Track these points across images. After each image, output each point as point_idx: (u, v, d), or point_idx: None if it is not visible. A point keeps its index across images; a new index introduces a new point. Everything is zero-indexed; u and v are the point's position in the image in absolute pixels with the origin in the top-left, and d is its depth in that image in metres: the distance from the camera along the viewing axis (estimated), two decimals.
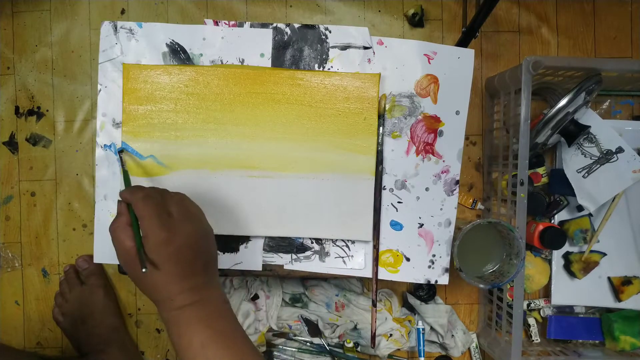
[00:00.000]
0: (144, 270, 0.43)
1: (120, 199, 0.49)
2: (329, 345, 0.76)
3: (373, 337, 0.66)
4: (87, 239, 0.80)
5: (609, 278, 0.76)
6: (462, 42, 0.68)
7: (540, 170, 0.75)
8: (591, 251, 0.75)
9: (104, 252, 0.63)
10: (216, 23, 0.62)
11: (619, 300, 0.76)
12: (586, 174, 0.73)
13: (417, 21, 0.78)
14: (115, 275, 0.81)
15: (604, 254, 0.76)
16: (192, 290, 0.46)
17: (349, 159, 0.62)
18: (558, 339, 0.78)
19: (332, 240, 0.63)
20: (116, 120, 0.62)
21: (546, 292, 0.79)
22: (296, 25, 0.62)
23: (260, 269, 0.63)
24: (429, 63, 0.62)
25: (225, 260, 0.63)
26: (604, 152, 0.72)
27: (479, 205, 0.79)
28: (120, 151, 0.61)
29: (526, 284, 0.74)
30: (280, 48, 0.62)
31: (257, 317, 0.76)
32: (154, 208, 0.46)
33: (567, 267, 0.76)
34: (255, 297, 0.76)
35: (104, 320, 0.76)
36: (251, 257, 0.63)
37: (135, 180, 0.61)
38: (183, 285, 0.46)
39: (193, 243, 0.47)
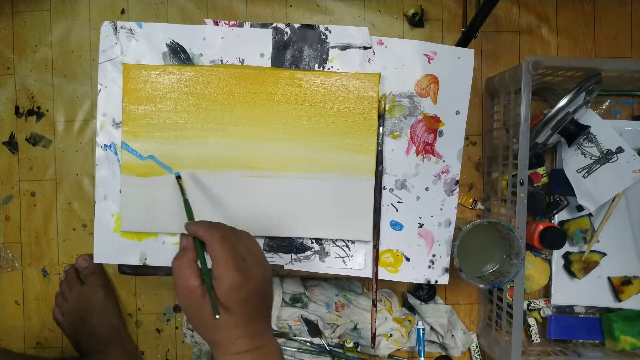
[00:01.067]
0: (217, 316, 0.43)
1: (185, 232, 0.48)
2: (329, 345, 0.76)
3: (373, 337, 0.66)
4: (87, 239, 0.80)
5: (609, 278, 0.76)
6: (462, 42, 0.68)
7: (540, 170, 0.75)
8: (591, 251, 0.75)
9: (104, 252, 0.63)
10: (216, 23, 0.62)
11: (619, 300, 0.76)
12: (586, 174, 0.73)
13: (417, 21, 0.78)
14: (115, 275, 0.81)
15: (604, 254, 0.76)
16: (253, 336, 0.45)
17: (349, 159, 0.62)
18: (558, 339, 0.78)
19: (332, 240, 0.63)
20: (116, 120, 0.62)
21: (546, 292, 0.78)
22: (296, 25, 0.62)
23: None
24: (429, 63, 0.62)
25: None
26: (604, 152, 0.72)
27: (479, 205, 0.79)
28: (178, 177, 0.60)
29: (526, 284, 0.74)
30: (280, 48, 0.62)
31: None
32: (230, 250, 0.45)
33: (567, 267, 0.76)
34: None
35: (103, 320, 0.76)
36: None
37: (135, 180, 0.61)
38: (246, 330, 0.45)
39: (261, 288, 0.46)
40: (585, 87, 0.64)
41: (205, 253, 0.47)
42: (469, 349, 0.80)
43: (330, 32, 0.62)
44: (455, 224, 0.64)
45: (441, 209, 0.64)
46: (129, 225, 0.62)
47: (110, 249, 0.63)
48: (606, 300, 0.76)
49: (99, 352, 0.73)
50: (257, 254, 0.48)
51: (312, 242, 0.64)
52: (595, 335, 0.77)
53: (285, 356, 0.76)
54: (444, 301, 0.80)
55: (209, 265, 0.46)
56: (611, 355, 0.74)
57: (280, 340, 0.77)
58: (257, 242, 0.50)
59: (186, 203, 0.55)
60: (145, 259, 0.63)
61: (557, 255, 0.77)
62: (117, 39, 0.61)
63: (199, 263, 0.46)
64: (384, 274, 0.64)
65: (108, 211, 0.63)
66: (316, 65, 0.62)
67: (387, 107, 0.62)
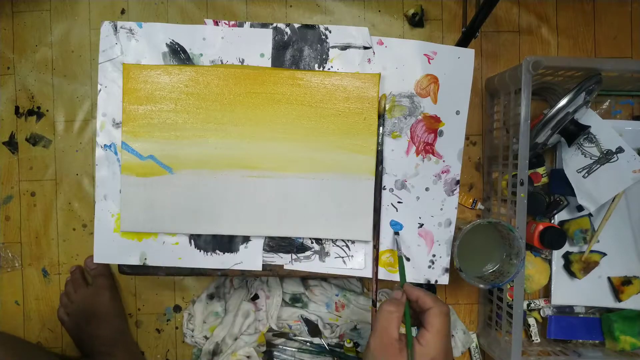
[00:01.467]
0: None
1: (401, 289, 0.52)
2: (329, 345, 0.76)
3: None
4: (87, 239, 0.80)
5: (609, 278, 0.76)
6: (462, 42, 0.68)
7: (540, 170, 0.75)
8: (591, 251, 0.75)
9: (104, 252, 0.63)
10: (216, 23, 0.62)
11: (619, 300, 0.76)
12: (586, 174, 0.73)
13: (417, 21, 0.78)
14: (115, 275, 0.81)
15: (604, 254, 0.76)
16: None
17: (349, 159, 0.62)
18: (558, 339, 0.78)
19: (332, 240, 0.63)
20: (116, 120, 0.62)
21: (546, 292, 0.78)
22: (296, 25, 0.62)
23: (260, 269, 0.63)
24: (429, 63, 0.62)
25: (225, 260, 0.63)
26: (604, 152, 0.72)
27: (479, 205, 0.79)
28: (396, 233, 0.62)
29: (526, 284, 0.74)
30: (280, 48, 0.62)
31: (257, 317, 0.76)
32: (448, 329, 0.48)
33: (567, 267, 0.76)
34: (255, 297, 0.76)
35: (108, 322, 0.76)
36: (251, 257, 0.63)
37: (135, 180, 0.61)
38: None
39: None
40: (585, 87, 0.64)
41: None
42: (469, 349, 0.80)
43: (330, 32, 0.62)
44: (455, 224, 0.64)
45: (441, 209, 0.64)
46: (129, 225, 0.62)
47: (110, 249, 0.63)
48: (606, 300, 0.76)
49: (103, 354, 0.73)
50: (451, 345, 0.51)
51: (312, 242, 0.64)
52: (595, 335, 0.77)
53: (285, 356, 0.76)
54: (444, 301, 0.80)
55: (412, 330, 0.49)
56: (611, 355, 0.74)
57: (280, 340, 0.77)
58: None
59: (400, 260, 0.58)
60: (145, 259, 0.63)
61: (557, 255, 0.77)
62: (117, 39, 0.61)
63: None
64: (384, 274, 0.64)
65: (108, 211, 0.63)
66: (316, 65, 0.62)
67: (387, 107, 0.62)
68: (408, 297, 0.51)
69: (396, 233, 0.62)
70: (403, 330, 0.49)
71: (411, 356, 0.46)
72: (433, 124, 0.63)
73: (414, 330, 0.50)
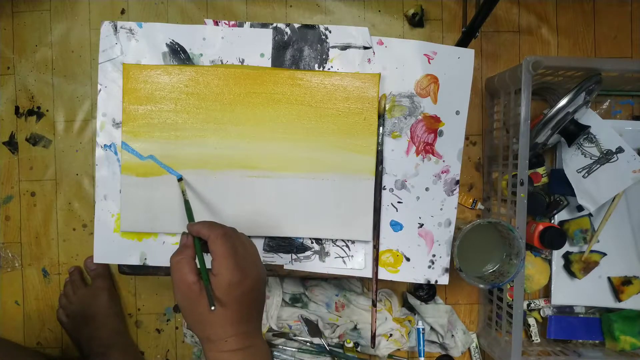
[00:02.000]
0: (212, 308, 0.43)
1: (186, 230, 0.50)
2: (329, 345, 0.76)
3: (373, 337, 0.66)
4: (87, 239, 0.80)
5: (609, 278, 0.76)
6: (462, 42, 0.68)
7: (540, 170, 0.75)
8: (591, 251, 0.75)
9: (104, 252, 0.63)
10: (216, 23, 0.62)
11: (619, 300, 0.76)
12: (586, 174, 0.73)
13: (417, 21, 0.78)
14: (115, 275, 0.81)
15: (604, 254, 0.76)
16: (245, 335, 0.46)
17: (349, 159, 0.62)
18: (558, 339, 0.78)
19: (332, 240, 0.63)
20: (116, 120, 0.62)
21: (546, 292, 0.78)
22: (296, 25, 0.62)
23: None
24: (429, 63, 0.62)
25: None
26: (604, 152, 0.72)
27: (479, 205, 0.79)
28: (180, 179, 0.60)
29: (526, 284, 0.74)
30: (280, 48, 0.62)
31: None
32: (231, 247, 0.46)
33: (567, 267, 0.76)
34: None
35: (107, 323, 0.76)
36: None
37: (135, 180, 0.61)
38: (239, 328, 0.46)
39: (257, 287, 0.47)
40: (585, 87, 0.64)
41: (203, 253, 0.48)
42: (469, 349, 0.80)
43: (330, 32, 0.62)
44: (455, 224, 0.64)
45: (441, 209, 0.64)
46: (129, 225, 0.62)
47: (110, 249, 0.63)
48: (606, 300, 0.76)
49: (102, 355, 0.73)
50: (254, 255, 0.49)
51: (312, 242, 0.64)
52: (595, 335, 0.77)
53: (285, 356, 0.76)
54: (444, 301, 0.80)
55: (208, 264, 0.47)
56: (611, 355, 0.74)
57: (280, 340, 0.77)
58: (254, 244, 0.51)
59: (187, 204, 0.56)
60: (145, 259, 0.63)
61: (557, 255, 0.77)
62: (117, 39, 0.61)
63: (197, 261, 0.47)
64: (384, 274, 0.64)
65: (108, 211, 0.63)
66: (316, 65, 0.62)
67: (387, 107, 0.62)
68: (193, 235, 0.49)
69: (179, 179, 0.60)
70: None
71: (207, 290, 0.44)
72: (433, 124, 0.63)
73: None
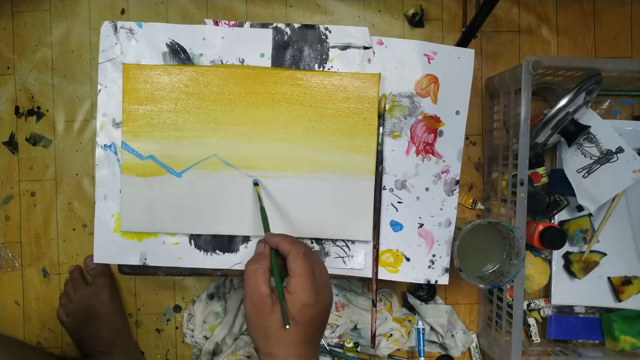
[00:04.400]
0: (287, 327, 0.44)
1: (264, 240, 0.50)
2: (329, 345, 0.76)
3: (373, 337, 0.66)
4: (87, 239, 0.80)
5: (609, 278, 0.76)
6: (462, 42, 0.68)
7: (540, 170, 0.75)
8: (591, 251, 0.75)
9: (104, 252, 0.63)
10: (216, 23, 0.62)
11: (619, 300, 0.76)
12: (586, 174, 0.73)
13: (417, 21, 0.78)
14: (115, 275, 0.81)
15: (604, 254, 0.76)
16: (306, 357, 0.46)
17: (349, 159, 0.62)
18: (558, 339, 0.78)
19: (332, 240, 0.63)
20: (116, 120, 0.62)
21: (546, 292, 0.79)
22: (296, 25, 0.62)
23: None
24: (429, 63, 0.62)
25: (225, 260, 0.63)
26: (604, 152, 0.72)
27: (479, 205, 0.79)
28: (256, 184, 0.60)
29: (526, 284, 0.74)
30: (280, 48, 0.62)
31: None
32: (310, 268, 0.46)
33: (567, 267, 0.76)
34: None
35: (108, 321, 0.76)
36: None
37: (135, 180, 0.61)
38: (303, 349, 0.46)
39: (326, 312, 0.48)
40: (585, 87, 0.64)
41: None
42: (469, 349, 0.80)
43: (330, 32, 0.62)
44: (455, 224, 0.64)
45: (441, 209, 0.64)
46: (129, 225, 0.62)
47: (110, 249, 0.63)
48: (606, 300, 0.76)
49: (103, 353, 0.73)
50: (327, 279, 0.49)
51: (312, 242, 0.64)
52: (595, 335, 0.77)
53: None
54: (444, 301, 0.80)
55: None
56: (611, 355, 0.74)
57: None
58: (326, 267, 0.51)
59: (262, 211, 0.56)
60: (145, 259, 0.63)
61: (557, 255, 0.77)
62: (117, 39, 0.61)
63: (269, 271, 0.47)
64: (384, 274, 0.64)
65: (108, 211, 0.63)
66: (316, 65, 0.62)
67: (387, 107, 0.62)
68: (270, 246, 0.49)
69: (255, 184, 0.60)
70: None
71: (282, 308, 0.44)
72: (433, 124, 0.63)
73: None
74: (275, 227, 0.62)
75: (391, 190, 0.63)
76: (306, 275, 0.46)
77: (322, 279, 0.48)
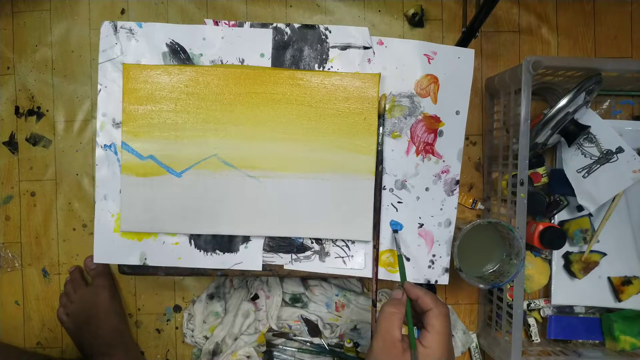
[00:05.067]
0: None
1: (401, 287, 0.52)
2: (329, 345, 0.76)
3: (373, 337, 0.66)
4: (87, 239, 0.80)
5: (609, 278, 0.76)
6: (462, 42, 0.68)
7: (540, 170, 0.75)
8: (591, 251, 0.75)
9: (104, 252, 0.63)
10: (216, 23, 0.62)
11: (619, 300, 0.76)
12: (586, 174, 0.73)
13: (417, 21, 0.78)
14: (115, 275, 0.81)
15: (604, 254, 0.76)
16: None
17: (349, 159, 0.62)
18: (558, 339, 0.78)
19: (332, 240, 0.63)
20: (116, 120, 0.62)
21: (546, 292, 0.78)
22: (296, 25, 0.62)
23: (260, 269, 0.63)
24: (429, 63, 0.62)
25: (225, 260, 0.63)
26: (604, 152, 0.72)
27: (479, 205, 0.79)
28: (395, 231, 0.62)
29: (526, 284, 0.74)
30: (280, 48, 0.62)
31: (257, 317, 0.76)
32: (448, 328, 0.48)
33: (567, 267, 0.76)
34: (255, 297, 0.76)
35: (108, 322, 0.76)
36: (251, 257, 0.63)
37: (135, 180, 0.61)
38: None
39: None
40: (585, 87, 0.64)
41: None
42: (469, 349, 0.80)
43: (330, 32, 0.62)
44: (455, 224, 0.64)
45: (441, 209, 0.64)
46: (129, 225, 0.62)
47: (110, 249, 0.63)
48: (606, 300, 0.76)
49: (103, 354, 0.73)
50: (452, 345, 0.50)
51: (312, 242, 0.64)
52: (595, 335, 0.77)
53: (285, 356, 0.76)
54: (444, 301, 0.80)
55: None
56: (611, 355, 0.74)
57: (280, 340, 0.77)
58: None
59: (400, 259, 0.57)
60: (145, 259, 0.63)
61: (557, 255, 0.77)
62: (117, 39, 0.61)
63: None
64: (384, 274, 0.64)
65: (108, 211, 0.63)
66: (316, 65, 0.62)
67: (387, 107, 0.62)
68: (408, 296, 0.51)
69: (395, 231, 0.62)
70: (405, 330, 0.49)
71: (414, 357, 0.46)
72: (433, 124, 0.63)
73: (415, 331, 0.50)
74: (276, 227, 0.62)
75: (391, 190, 0.63)
76: (444, 334, 0.47)
77: (452, 343, 0.50)
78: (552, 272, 0.77)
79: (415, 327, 0.51)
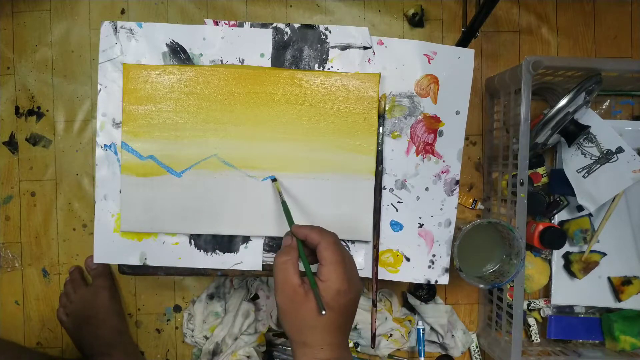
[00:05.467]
0: (323, 312, 0.44)
1: (290, 233, 0.51)
2: None
3: (373, 337, 0.66)
4: (87, 239, 0.80)
5: (609, 278, 0.76)
6: (462, 42, 0.68)
7: (540, 170, 0.75)
8: (591, 251, 0.75)
9: (104, 252, 0.63)
10: (216, 23, 0.62)
11: (619, 300, 0.76)
12: (586, 174, 0.73)
13: (417, 21, 0.78)
14: (115, 275, 0.81)
15: (604, 254, 0.76)
16: (339, 346, 0.46)
17: (349, 159, 0.62)
18: (558, 339, 0.78)
19: None
20: (116, 120, 0.62)
21: (546, 292, 0.79)
22: (296, 25, 0.62)
23: (260, 269, 0.63)
24: (429, 63, 0.62)
25: (225, 260, 0.63)
26: (604, 152, 0.72)
27: (479, 205, 0.79)
28: (274, 180, 0.61)
29: (526, 284, 0.74)
30: (280, 48, 0.62)
31: (257, 317, 0.76)
32: (341, 256, 0.47)
33: (567, 267, 0.76)
34: (255, 297, 0.76)
35: (108, 322, 0.76)
36: (251, 257, 0.63)
37: (135, 180, 0.61)
38: (336, 338, 0.46)
39: (357, 300, 0.48)
40: (585, 87, 0.64)
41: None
42: (469, 349, 0.80)
43: (330, 32, 0.62)
44: (455, 224, 0.64)
45: (441, 209, 0.64)
46: (129, 225, 0.62)
47: (110, 249, 0.63)
48: (606, 300, 0.76)
49: (103, 354, 0.73)
50: (355, 267, 0.50)
51: None
52: (595, 335, 0.77)
53: (285, 356, 0.76)
54: (444, 301, 0.80)
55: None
56: (611, 355, 0.74)
57: (280, 340, 0.77)
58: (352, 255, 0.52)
59: (284, 205, 0.56)
60: (145, 259, 0.63)
61: (557, 255, 0.77)
62: (117, 39, 0.61)
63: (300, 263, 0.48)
64: (384, 274, 0.64)
65: (108, 211, 0.63)
66: (316, 65, 0.62)
67: (387, 107, 0.62)
68: (298, 238, 0.50)
69: (274, 180, 0.61)
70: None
71: (316, 295, 0.45)
72: (433, 124, 0.63)
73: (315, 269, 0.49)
74: (276, 227, 0.62)
75: (391, 190, 0.63)
76: (338, 262, 0.46)
77: (352, 266, 0.48)
78: (552, 272, 0.77)
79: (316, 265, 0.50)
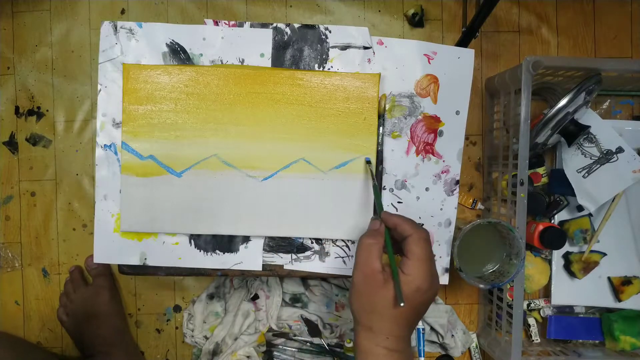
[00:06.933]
0: (402, 304, 0.44)
1: (379, 218, 0.50)
2: (329, 345, 0.76)
3: None
4: (87, 239, 0.80)
5: (609, 278, 0.76)
6: (462, 42, 0.68)
7: (540, 170, 0.75)
8: (591, 251, 0.75)
9: (104, 252, 0.63)
10: (216, 23, 0.62)
11: (619, 300, 0.76)
12: (586, 174, 0.73)
13: (417, 21, 0.78)
14: (115, 275, 0.81)
15: (604, 254, 0.76)
16: (403, 339, 0.46)
17: (349, 158, 0.62)
18: (558, 339, 0.78)
19: (332, 240, 0.63)
20: (116, 120, 0.62)
21: (546, 292, 0.79)
22: (296, 25, 0.62)
23: (260, 269, 0.63)
24: (429, 63, 0.62)
25: (225, 260, 0.63)
26: (604, 152, 0.72)
27: (479, 205, 0.79)
28: (368, 162, 0.60)
29: (526, 284, 0.74)
30: (280, 48, 0.62)
31: (257, 317, 0.76)
32: (429, 254, 0.47)
33: (567, 267, 0.76)
34: (255, 297, 0.76)
35: (108, 321, 0.76)
36: (251, 257, 0.63)
37: (135, 180, 0.61)
38: (403, 331, 0.46)
39: (431, 301, 0.48)
40: (585, 87, 0.64)
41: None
42: (469, 349, 0.80)
43: (330, 32, 0.62)
44: (455, 224, 0.64)
45: (441, 209, 0.64)
46: (129, 225, 0.62)
47: (110, 249, 0.63)
48: (606, 300, 0.76)
49: (103, 353, 0.73)
50: (436, 269, 0.49)
51: (312, 242, 0.64)
52: (595, 335, 0.77)
53: (285, 356, 0.76)
54: (444, 301, 0.80)
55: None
56: (611, 355, 0.74)
57: (280, 340, 0.77)
58: None
59: (375, 188, 0.56)
60: (145, 259, 0.63)
61: (557, 255, 0.77)
62: (117, 39, 0.61)
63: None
64: None
65: (108, 211, 0.63)
66: (316, 65, 0.62)
67: (387, 107, 0.62)
68: (387, 225, 0.49)
69: (368, 162, 0.61)
70: (386, 260, 0.47)
71: (397, 286, 0.44)
72: (433, 124, 0.63)
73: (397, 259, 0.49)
74: (276, 227, 0.62)
75: (391, 190, 0.63)
76: (424, 260, 0.46)
77: (434, 267, 0.48)
78: (552, 272, 0.77)
79: (397, 256, 0.49)
